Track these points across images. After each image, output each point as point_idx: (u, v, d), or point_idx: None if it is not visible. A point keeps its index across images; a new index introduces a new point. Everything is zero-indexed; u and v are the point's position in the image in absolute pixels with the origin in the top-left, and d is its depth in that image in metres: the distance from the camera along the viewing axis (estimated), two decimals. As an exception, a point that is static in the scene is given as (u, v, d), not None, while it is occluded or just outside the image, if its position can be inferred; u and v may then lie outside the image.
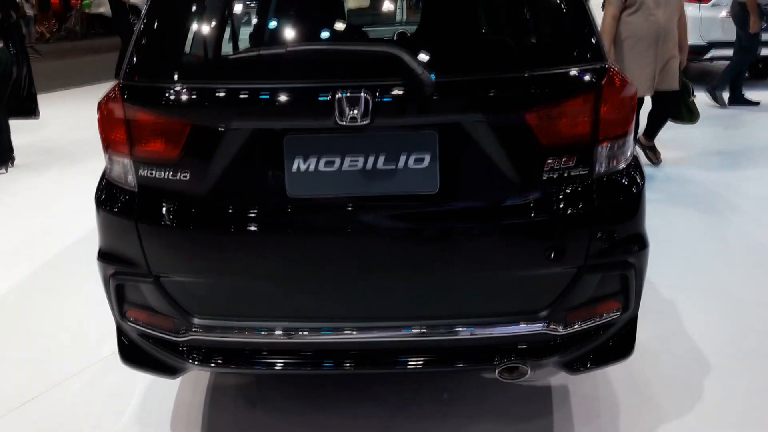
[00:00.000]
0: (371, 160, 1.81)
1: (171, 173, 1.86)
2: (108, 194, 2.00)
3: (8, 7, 5.83)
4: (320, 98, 1.73)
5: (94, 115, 1.98)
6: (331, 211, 1.85)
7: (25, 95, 5.87)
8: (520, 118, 1.77)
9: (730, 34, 7.09)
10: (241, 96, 1.79)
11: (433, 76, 1.72)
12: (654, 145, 5.08)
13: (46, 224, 4.40)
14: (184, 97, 1.82)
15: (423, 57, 1.80)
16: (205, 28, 2.05)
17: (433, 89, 1.72)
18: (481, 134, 1.77)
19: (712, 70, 8.23)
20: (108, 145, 1.96)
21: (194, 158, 1.84)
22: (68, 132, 6.87)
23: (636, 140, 4.81)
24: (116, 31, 10.30)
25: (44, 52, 14.71)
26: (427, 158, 1.80)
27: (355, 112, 1.72)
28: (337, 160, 1.81)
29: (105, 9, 10.06)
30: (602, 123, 1.81)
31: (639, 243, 1.93)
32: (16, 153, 5.65)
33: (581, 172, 1.83)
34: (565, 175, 1.82)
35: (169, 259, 1.94)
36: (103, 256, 2.03)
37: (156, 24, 1.94)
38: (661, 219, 3.93)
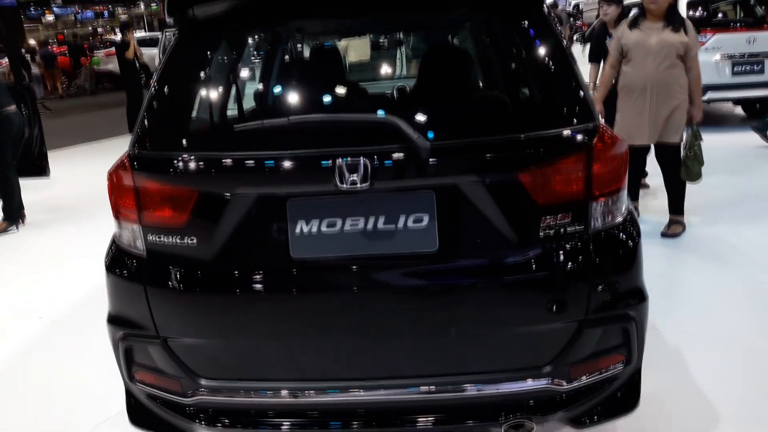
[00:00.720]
0: (371, 221, 1.86)
1: (178, 239, 1.92)
2: (117, 260, 2.06)
3: (21, 70, 6.03)
4: (321, 165, 1.80)
5: (103, 171, 2.05)
6: (334, 271, 1.90)
7: (36, 155, 6.01)
8: (514, 178, 1.82)
9: (724, 76, 7.30)
10: (247, 164, 1.86)
11: (428, 141, 1.78)
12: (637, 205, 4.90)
13: (54, 282, 4.46)
14: (191, 166, 1.89)
15: (419, 120, 1.87)
16: (212, 97, 2.14)
17: (428, 153, 1.78)
18: (477, 194, 1.83)
19: (711, 112, 8.35)
20: (118, 212, 2.02)
21: (201, 224, 1.90)
22: (77, 188, 7.00)
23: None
24: (123, 87, 10.59)
25: (54, 108, 15.07)
26: (426, 218, 1.85)
27: (355, 177, 1.78)
28: (339, 222, 1.86)
29: (113, 66, 10.34)
30: (595, 180, 1.87)
31: (638, 296, 1.96)
32: (26, 211, 5.75)
33: (577, 228, 1.88)
34: (562, 231, 1.86)
35: (176, 322, 1.98)
36: (113, 319, 2.08)
37: (164, 94, 2.03)
38: (666, 265, 3.94)
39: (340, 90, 2.34)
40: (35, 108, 5.98)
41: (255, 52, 3.19)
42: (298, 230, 1.87)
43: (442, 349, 1.92)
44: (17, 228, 5.65)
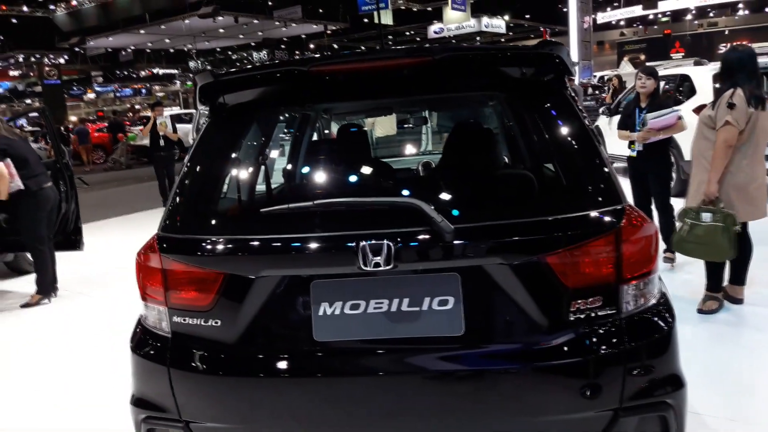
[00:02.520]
0: (395, 303, 1.84)
1: (203, 321, 1.93)
2: (142, 341, 2.06)
3: (61, 146, 6.26)
4: (345, 246, 1.81)
5: (135, 243, 2.07)
6: (357, 355, 1.87)
7: (71, 230, 6.15)
8: (541, 261, 1.80)
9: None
10: (272, 246, 1.88)
11: (452, 222, 1.78)
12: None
13: (81, 359, 4.46)
14: (218, 249, 1.91)
15: (443, 200, 1.88)
16: (241, 179, 2.19)
17: (453, 235, 1.78)
18: (504, 277, 1.80)
19: None
20: (145, 292, 2.04)
21: (226, 306, 1.91)
22: (109, 261, 7.12)
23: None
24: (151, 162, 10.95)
25: (91, 182, 15.58)
26: (451, 301, 1.83)
27: (378, 258, 1.78)
28: (363, 305, 1.85)
29: (148, 141, 10.72)
30: (625, 263, 1.83)
31: (675, 382, 1.88)
32: (58, 283, 5.85)
33: (609, 312, 1.83)
34: (593, 315, 1.82)
35: (199, 406, 1.96)
36: (137, 401, 2.06)
37: (195, 176, 2.08)
38: (704, 346, 3.79)
39: (366, 170, 2.38)
40: (73, 184, 6.17)
41: (285, 131, 3.28)
42: (321, 312, 1.86)
43: None
44: (49, 301, 5.73)
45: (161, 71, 45.51)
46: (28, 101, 40.79)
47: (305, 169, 2.74)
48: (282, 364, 1.89)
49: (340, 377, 1.86)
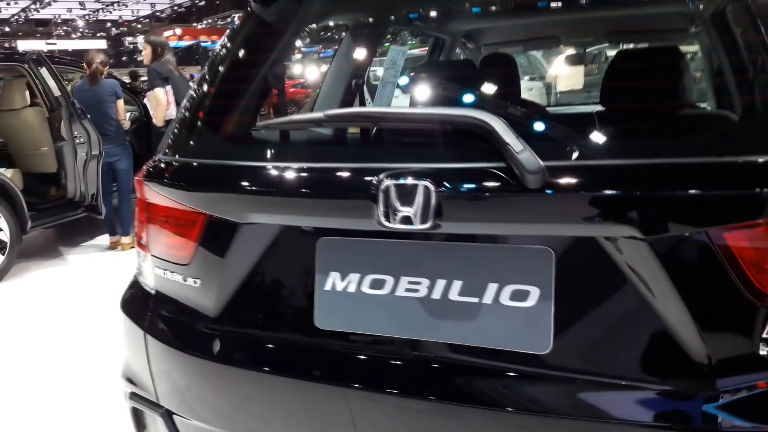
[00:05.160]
0: (440, 287, 1.12)
1: (182, 278, 1.38)
2: (132, 296, 1.58)
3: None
4: (361, 187, 1.11)
5: None
6: (375, 358, 1.18)
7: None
8: (714, 240, 0.95)
9: None
10: (261, 177, 1.24)
11: (542, 157, 1.00)
12: None
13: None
14: (199, 178, 1.33)
15: (538, 128, 1.09)
16: (267, 92, 1.56)
17: (541, 179, 0.99)
18: (636, 261, 0.99)
19: None
20: (137, 233, 1.55)
21: (206, 262, 1.33)
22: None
23: None
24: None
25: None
26: (534, 294, 1.06)
27: (409, 210, 1.06)
28: (389, 282, 1.15)
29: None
30: None
31: None
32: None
33: None
34: None
35: (179, 392, 1.42)
36: (124, 371, 1.60)
37: (206, 87, 1.50)
38: None
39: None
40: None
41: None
42: (328, 286, 1.20)
43: None
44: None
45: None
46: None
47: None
48: (271, 356, 1.27)
49: (346, 389, 1.19)
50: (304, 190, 1.19)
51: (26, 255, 4.86)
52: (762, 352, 0.95)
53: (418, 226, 1.06)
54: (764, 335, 0.95)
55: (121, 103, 4.99)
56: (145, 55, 4.84)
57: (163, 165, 1.40)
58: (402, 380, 1.15)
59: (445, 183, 1.05)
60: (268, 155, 1.30)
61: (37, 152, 5.08)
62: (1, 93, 5.14)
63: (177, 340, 1.39)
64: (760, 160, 0.95)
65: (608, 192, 0.99)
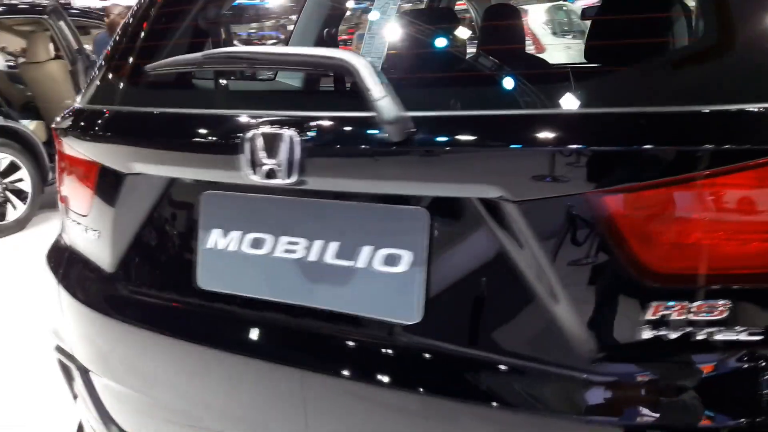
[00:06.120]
0: (317, 248, 1.03)
1: (84, 230, 1.34)
2: (53, 247, 1.55)
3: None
4: (228, 136, 1.02)
5: None
6: (252, 323, 1.11)
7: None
8: (594, 204, 0.82)
9: None
10: (140, 124, 1.17)
11: (412, 108, 0.88)
12: None
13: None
14: (87, 124, 1.27)
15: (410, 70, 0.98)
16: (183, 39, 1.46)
17: (402, 130, 0.88)
18: (508, 228, 0.87)
19: None
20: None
21: (101, 214, 1.28)
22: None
23: None
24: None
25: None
26: (408, 259, 0.95)
27: (274, 162, 0.97)
28: (268, 241, 1.07)
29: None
30: None
31: None
32: None
33: (748, 339, 0.80)
34: (705, 338, 0.81)
35: (88, 349, 1.40)
36: (51, 323, 1.58)
37: (122, 36, 1.42)
38: None
39: None
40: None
41: None
42: (210, 243, 1.13)
43: None
44: None
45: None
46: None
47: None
48: (157, 315, 1.21)
49: (224, 351, 1.12)
50: (175, 139, 1.11)
51: (47, 206, 5.01)
52: (644, 336, 0.83)
53: (283, 181, 0.97)
54: (648, 317, 0.82)
55: None
56: None
57: (69, 112, 1.35)
58: (276, 348, 1.07)
59: (309, 133, 0.95)
60: (148, 100, 1.23)
61: (61, 105, 5.18)
62: (26, 46, 5.24)
63: (82, 294, 1.35)
64: (643, 114, 0.81)
65: (475, 146, 0.87)
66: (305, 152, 0.95)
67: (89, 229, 1.31)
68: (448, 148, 0.88)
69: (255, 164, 0.98)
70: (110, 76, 1.35)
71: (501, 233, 0.88)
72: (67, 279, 1.41)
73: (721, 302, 0.80)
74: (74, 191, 1.34)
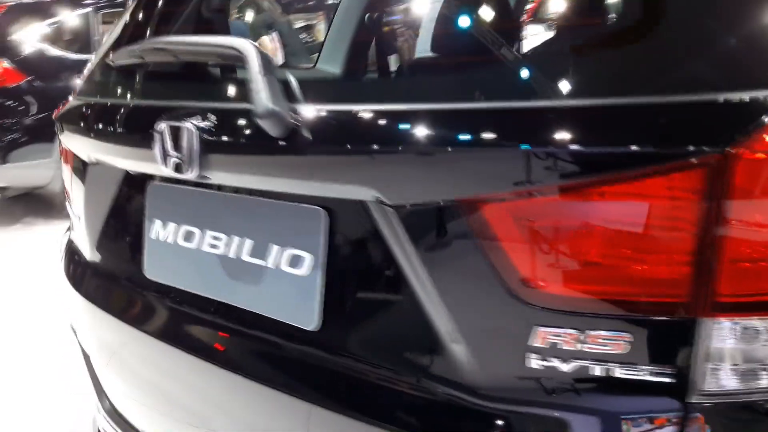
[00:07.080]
0: (234, 244, 0.99)
1: (72, 213, 1.41)
2: (67, 233, 1.65)
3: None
4: (143, 128, 1.01)
5: None
6: (184, 317, 1.10)
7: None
8: (470, 212, 0.71)
9: None
10: (92, 115, 1.20)
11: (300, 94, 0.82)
12: None
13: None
14: (68, 115, 1.32)
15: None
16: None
17: (277, 125, 0.81)
18: (392, 235, 0.79)
19: None
20: None
21: (76, 199, 1.34)
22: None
23: None
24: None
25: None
26: (308, 261, 0.89)
27: (178, 156, 0.94)
28: (197, 234, 1.05)
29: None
30: (729, 244, 0.61)
31: None
32: None
33: (658, 380, 0.66)
34: (598, 378, 0.68)
35: (85, 331, 1.48)
36: None
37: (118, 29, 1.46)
38: None
39: None
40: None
41: None
42: (154, 234, 1.13)
43: None
44: None
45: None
46: None
47: None
48: (117, 302, 1.24)
49: (162, 342, 1.12)
50: (109, 129, 1.12)
51: None
52: (532, 365, 0.70)
53: (188, 174, 0.94)
54: (533, 343, 0.70)
55: None
56: None
57: (64, 104, 1.41)
58: (198, 343, 1.06)
59: (205, 125, 0.91)
60: (103, 91, 1.24)
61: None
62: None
63: (72, 277, 1.42)
64: (522, 110, 0.68)
65: (353, 145, 0.78)
66: (203, 145, 0.91)
67: (74, 215, 1.38)
68: (327, 146, 0.80)
69: (166, 157, 0.96)
70: (87, 67, 1.39)
71: (388, 240, 0.79)
72: (67, 264, 1.49)
73: (620, 334, 0.66)
74: (66, 177, 1.41)
